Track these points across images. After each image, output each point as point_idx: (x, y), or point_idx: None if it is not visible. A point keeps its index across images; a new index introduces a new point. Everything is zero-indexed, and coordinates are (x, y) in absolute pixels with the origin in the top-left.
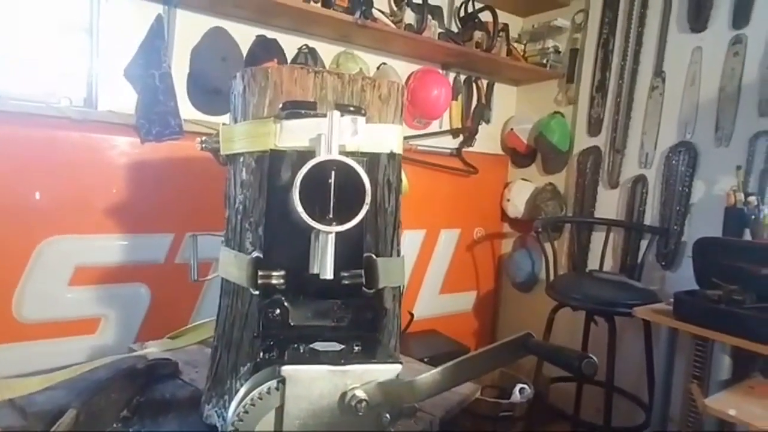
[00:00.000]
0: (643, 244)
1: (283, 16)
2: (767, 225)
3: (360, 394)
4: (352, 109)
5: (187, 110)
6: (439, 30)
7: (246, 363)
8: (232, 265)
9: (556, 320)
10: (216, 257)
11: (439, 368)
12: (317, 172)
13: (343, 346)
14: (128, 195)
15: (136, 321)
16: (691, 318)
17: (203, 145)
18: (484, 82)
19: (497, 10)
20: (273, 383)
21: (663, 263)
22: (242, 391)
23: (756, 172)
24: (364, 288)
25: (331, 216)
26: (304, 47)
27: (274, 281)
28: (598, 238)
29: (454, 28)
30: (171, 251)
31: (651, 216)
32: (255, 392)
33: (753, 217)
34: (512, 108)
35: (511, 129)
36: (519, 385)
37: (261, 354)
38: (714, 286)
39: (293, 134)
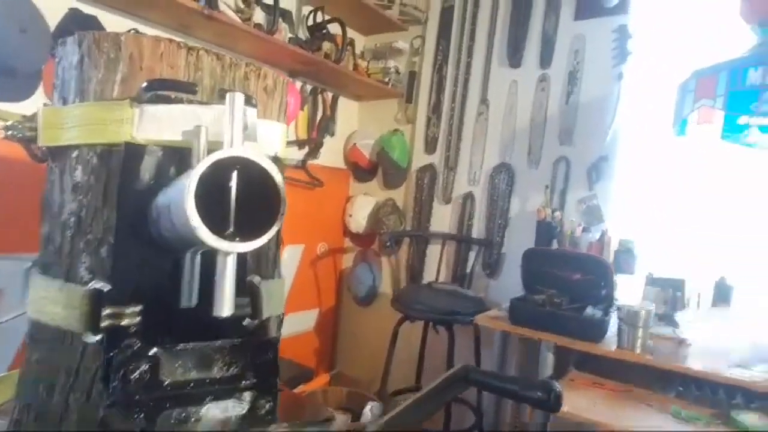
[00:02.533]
0: (471, 255)
1: None
2: (569, 236)
3: None
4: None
5: None
6: (289, 35)
7: None
8: (53, 302)
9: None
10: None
11: (384, 419)
12: (212, 173)
13: (246, 406)
14: None
15: None
16: (523, 322)
17: (10, 133)
18: (329, 95)
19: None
20: None
21: (487, 272)
22: None
23: (558, 191)
24: (247, 320)
25: (231, 230)
26: (132, 32)
27: (125, 321)
28: (433, 250)
29: (302, 36)
30: None
31: (478, 229)
32: None
33: (558, 229)
34: (355, 123)
35: (354, 144)
36: (369, 404)
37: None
38: (538, 292)
39: (160, 124)
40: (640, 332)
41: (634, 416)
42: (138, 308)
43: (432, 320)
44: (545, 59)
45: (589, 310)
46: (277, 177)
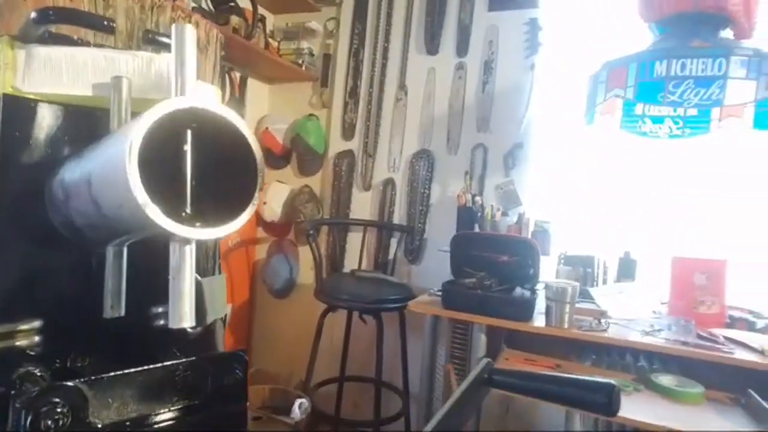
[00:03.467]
0: (393, 241)
1: None
2: (489, 220)
3: None
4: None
5: None
6: (192, 4)
7: None
8: None
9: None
10: None
11: None
12: (157, 134)
13: None
14: None
15: None
16: (455, 305)
17: None
18: (237, 75)
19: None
20: None
21: (409, 258)
22: None
23: (476, 176)
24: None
25: (188, 211)
26: None
27: (22, 342)
28: (353, 238)
29: (206, 7)
30: None
31: (399, 216)
32: None
33: (479, 214)
34: (265, 107)
35: (267, 128)
36: (298, 401)
37: None
38: (468, 275)
39: (58, 72)
40: (568, 308)
41: None
42: (36, 324)
43: (359, 309)
44: (462, 48)
45: (518, 291)
46: (251, 137)
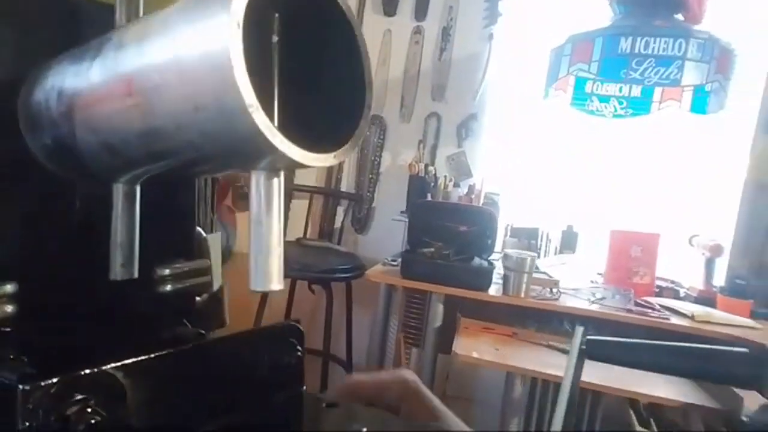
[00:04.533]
0: (341, 210)
1: None
2: (442, 190)
3: None
4: None
5: None
6: None
7: None
8: None
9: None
10: None
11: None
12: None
13: None
14: None
15: None
16: (414, 275)
17: None
18: None
19: None
20: None
21: (356, 227)
22: None
23: (428, 146)
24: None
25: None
26: None
27: None
28: (298, 205)
29: None
30: None
31: (347, 183)
32: None
33: (432, 184)
34: None
35: None
36: None
37: None
38: (426, 245)
39: None
40: (526, 278)
41: (536, 356)
42: (7, 289)
43: (309, 279)
44: (420, 11)
45: (477, 260)
46: (357, 28)
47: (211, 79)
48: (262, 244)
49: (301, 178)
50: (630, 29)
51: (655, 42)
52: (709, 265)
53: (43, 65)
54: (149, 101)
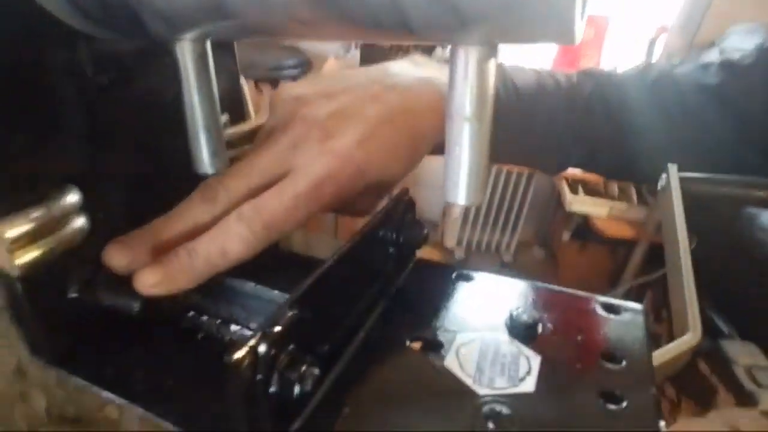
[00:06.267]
0: None
1: None
2: None
3: None
4: None
5: None
6: None
7: None
8: None
9: None
10: None
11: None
12: None
13: None
14: None
15: None
16: None
17: None
18: None
19: None
20: None
21: None
22: None
23: None
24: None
25: None
26: None
27: (64, 235)
28: None
29: None
30: None
31: None
32: None
33: None
34: None
35: None
36: None
37: None
38: None
39: None
40: None
41: None
42: (74, 198)
43: None
44: None
45: None
46: None
47: None
48: (464, 137)
49: None
50: None
51: None
52: (651, 45)
53: None
54: None
